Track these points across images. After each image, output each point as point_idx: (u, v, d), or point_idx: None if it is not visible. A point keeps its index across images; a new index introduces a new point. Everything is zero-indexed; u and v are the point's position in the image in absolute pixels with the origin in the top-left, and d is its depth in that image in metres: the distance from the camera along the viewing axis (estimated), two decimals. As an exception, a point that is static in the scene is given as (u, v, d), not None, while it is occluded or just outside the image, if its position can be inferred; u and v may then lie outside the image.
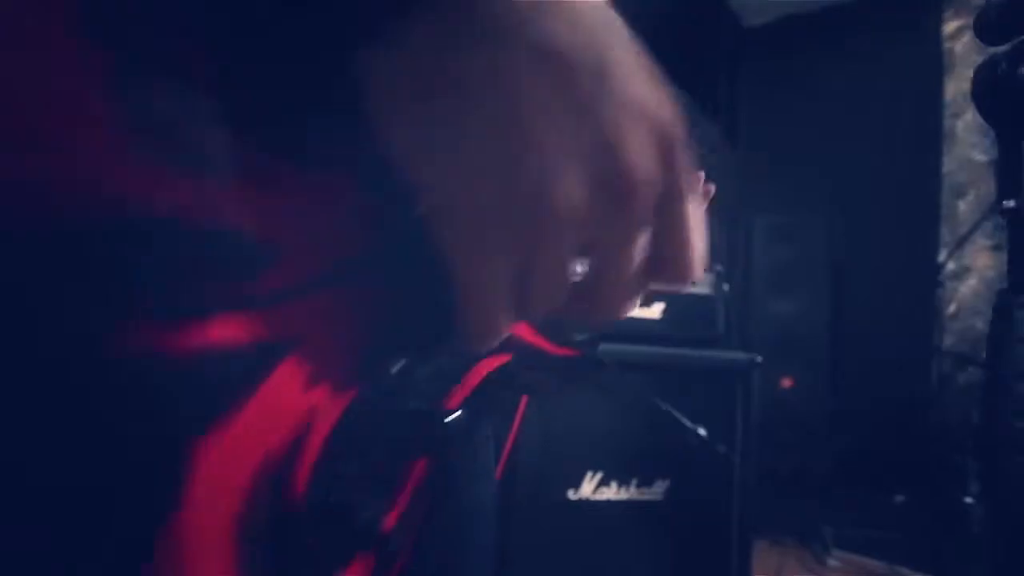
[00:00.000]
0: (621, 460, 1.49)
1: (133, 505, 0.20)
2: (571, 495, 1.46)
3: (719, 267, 1.66)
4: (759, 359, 1.60)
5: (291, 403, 0.24)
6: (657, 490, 1.51)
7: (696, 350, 1.58)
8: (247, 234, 0.22)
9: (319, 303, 0.25)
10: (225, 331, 0.21)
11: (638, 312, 1.61)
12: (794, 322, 2.59)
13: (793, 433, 2.45)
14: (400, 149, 0.23)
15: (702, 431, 1.47)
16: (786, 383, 2.60)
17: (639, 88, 0.24)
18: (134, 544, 0.19)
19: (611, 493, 1.49)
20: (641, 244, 0.26)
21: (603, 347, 1.57)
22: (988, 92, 0.32)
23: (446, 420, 0.31)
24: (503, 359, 0.37)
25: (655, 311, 1.61)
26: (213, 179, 0.21)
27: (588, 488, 1.48)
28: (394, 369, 0.28)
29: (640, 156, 0.24)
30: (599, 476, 1.48)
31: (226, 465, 0.21)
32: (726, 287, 1.86)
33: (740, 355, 1.61)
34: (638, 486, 1.50)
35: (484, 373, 0.35)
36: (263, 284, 0.23)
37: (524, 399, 1.67)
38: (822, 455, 2.50)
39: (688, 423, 1.45)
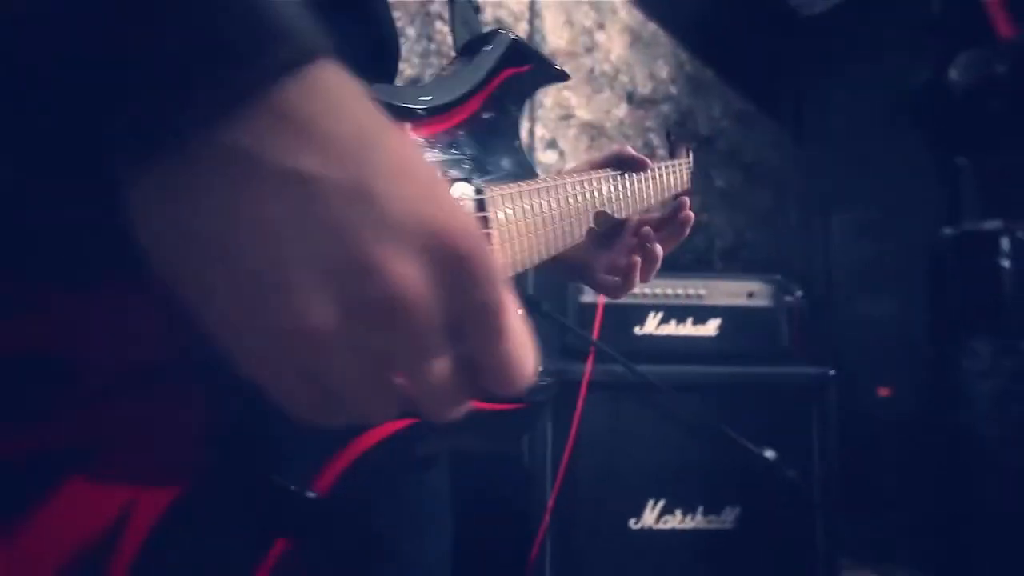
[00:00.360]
0: (685, 487, 1.43)
1: None
2: (632, 524, 1.41)
3: (778, 277, 1.56)
4: (832, 372, 1.48)
5: (93, 507, 0.25)
6: (727, 518, 1.42)
7: (758, 367, 1.49)
8: (30, 356, 0.24)
9: (123, 408, 0.26)
10: (13, 441, 0.23)
11: (691, 330, 1.54)
12: (889, 325, 2.36)
13: (895, 446, 2.22)
14: (171, 283, 0.23)
15: (770, 454, 1.38)
16: (883, 392, 2.37)
17: (407, 207, 0.23)
18: None
19: (676, 522, 1.42)
20: (441, 361, 0.25)
21: (656, 369, 1.51)
22: (941, 111, 0.29)
23: (307, 499, 0.31)
24: (399, 424, 0.37)
25: (710, 328, 1.54)
26: None
27: (650, 517, 1.42)
28: (251, 452, 0.29)
29: (403, 280, 0.23)
30: (662, 504, 1.42)
31: (13, 571, 0.23)
32: (793, 296, 1.74)
33: (810, 369, 1.50)
34: (705, 514, 1.42)
35: (368, 444, 0.35)
36: (54, 396, 0.24)
37: (579, 410, 1.62)
38: (926, 470, 2.25)
39: (751, 446, 1.36)
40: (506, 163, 0.48)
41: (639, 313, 1.54)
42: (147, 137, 0.21)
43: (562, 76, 0.53)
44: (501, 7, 1.95)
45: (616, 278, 0.67)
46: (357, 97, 0.24)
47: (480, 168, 0.44)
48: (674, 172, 0.78)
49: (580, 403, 1.42)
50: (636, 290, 1.72)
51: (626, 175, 0.66)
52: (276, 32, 0.22)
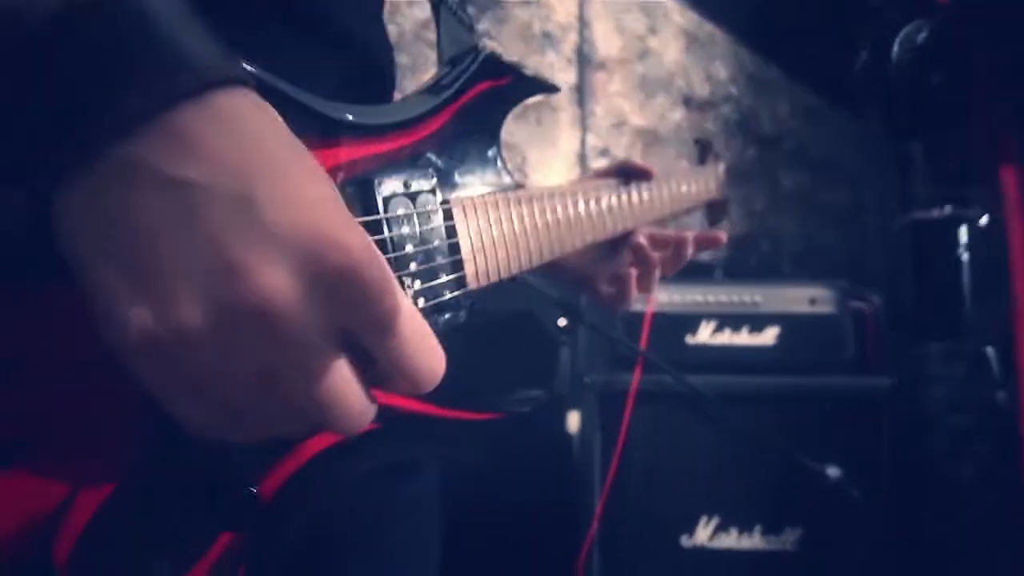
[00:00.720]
0: (741, 504, 1.36)
1: None
2: (684, 541, 1.36)
3: (842, 282, 1.46)
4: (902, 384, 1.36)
5: (31, 499, 0.28)
6: (787, 539, 1.34)
7: (820, 377, 1.39)
8: None
9: (59, 403, 0.28)
10: None
11: (747, 339, 1.47)
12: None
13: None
14: (81, 283, 0.25)
15: (833, 471, 1.29)
16: None
17: (285, 218, 0.24)
18: None
19: (731, 541, 1.35)
20: (331, 372, 0.25)
21: (709, 379, 1.46)
22: (884, 90, 0.27)
23: (245, 502, 0.32)
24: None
25: (768, 337, 1.46)
26: None
27: (704, 534, 1.36)
28: (190, 448, 0.30)
29: (270, 284, 0.23)
30: (716, 521, 1.36)
31: None
32: (866, 302, 1.63)
33: (882, 380, 1.39)
34: (764, 534, 1.35)
35: (322, 446, 0.36)
36: None
37: (626, 422, 1.59)
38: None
39: (811, 463, 1.28)
40: (481, 176, 0.48)
41: (691, 322, 1.49)
42: (59, 155, 0.24)
43: (550, 88, 0.53)
44: (548, 20, 1.96)
45: (614, 289, 0.68)
46: (261, 120, 0.26)
47: (449, 181, 0.44)
48: (696, 181, 0.76)
49: (627, 413, 1.39)
50: (689, 298, 1.66)
51: (632, 184, 0.66)
52: (177, 62, 0.24)
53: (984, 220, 0.25)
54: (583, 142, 1.99)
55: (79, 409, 0.29)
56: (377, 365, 0.27)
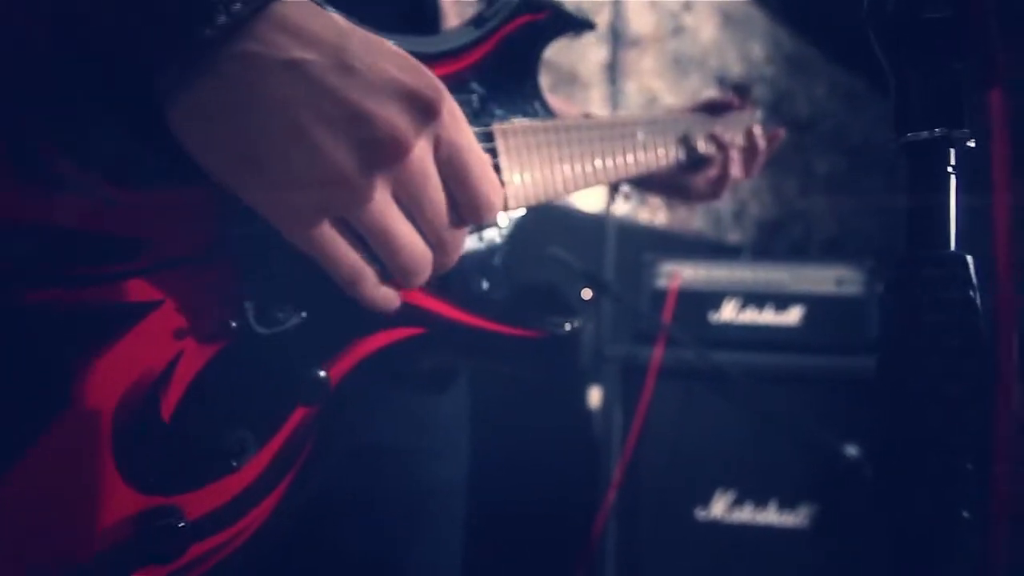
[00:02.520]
0: (757, 479, 1.37)
1: (22, 407, 0.29)
2: (699, 514, 1.39)
3: (872, 262, 1.44)
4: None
5: (157, 348, 0.33)
6: (801, 515, 1.35)
7: (844, 358, 1.39)
8: (109, 233, 0.33)
9: (182, 276, 0.34)
10: (96, 293, 0.31)
11: (772, 318, 1.47)
12: None
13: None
14: (211, 170, 0.32)
15: (852, 451, 1.29)
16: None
17: (379, 68, 0.32)
18: (19, 435, 0.29)
19: (746, 516, 1.37)
20: (433, 189, 0.34)
21: (732, 357, 1.47)
22: (885, 26, 0.29)
23: (317, 380, 0.37)
24: (409, 332, 0.41)
25: (793, 316, 1.46)
26: (77, 198, 0.32)
27: (719, 507, 1.38)
28: (280, 327, 0.36)
29: (391, 120, 0.32)
30: (731, 495, 1.38)
31: (98, 387, 0.31)
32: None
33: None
34: (779, 510, 1.36)
35: (380, 344, 0.40)
36: (132, 264, 0.33)
37: (647, 395, 1.62)
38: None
39: (829, 440, 1.28)
40: (522, 106, 0.50)
41: (715, 299, 1.50)
42: (180, 55, 0.30)
43: (586, 25, 0.55)
44: (583, -5, 1.95)
45: (707, 187, 0.78)
46: (326, 11, 0.33)
47: (489, 108, 0.47)
48: (730, 127, 0.79)
49: (648, 387, 1.41)
50: (713, 275, 1.67)
51: (664, 122, 0.71)
52: None
53: (971, 143, 0.26)
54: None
55: (194, 283, 0.35)
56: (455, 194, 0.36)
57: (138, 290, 0.33)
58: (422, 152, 0.33)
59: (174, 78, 0.30)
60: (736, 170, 0.78)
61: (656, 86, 2.12)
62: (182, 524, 0.32)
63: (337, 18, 0.33)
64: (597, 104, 1.97)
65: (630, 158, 0.61)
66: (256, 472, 0.35)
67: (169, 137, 0.32)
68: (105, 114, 0.32)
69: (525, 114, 0.51)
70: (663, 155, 0.67)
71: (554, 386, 1.59)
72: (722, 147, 0.75)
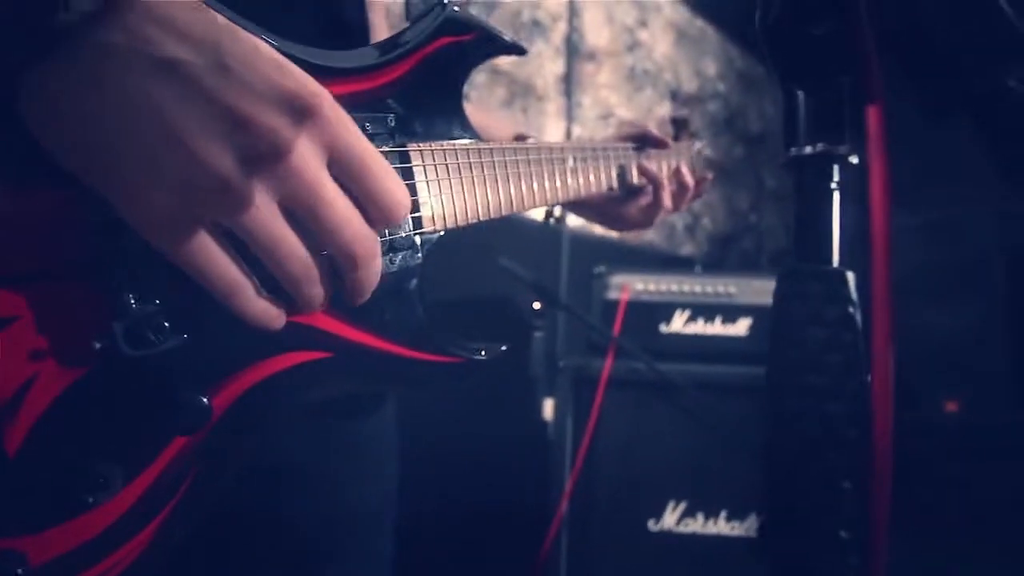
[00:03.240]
0: (708, 490, 1.38)
1: None
2: (652, 525, 1.39)
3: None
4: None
5: (6, 371, 0.30)
6: (752, 525, 1.37)
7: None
8: None
9: (42, 290, 0.31)
10: None
11: (720, 330, 1.49)
12: (957, 334, 2.18)
13: (962, 466, 2.04)
14: (71, 168, 0.30)
15: (798, 460, 1.31)
16: (951, 407, 2.20)
17: (257, 70, 0.30)
18: None
19: (697, 526, 1.38)
20: (328, 194, 0.32)
21: (682, 368, 1.48)
22: (773, 40, 0.29)
23: (197, 407, 0.34)
24: (313, 355, 0.39)
25: (740, 328, 1.48)
26: None
27: (671, 518, 1.39)
28: (153, 349, 0.33)
29: (269, 122, 0.30)
30: (683, 506, 1.39)
31: None
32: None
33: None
34: (728, 519, 1.37)
35: (279, 367, 0.38)
36: None
37: (596, 406, 1.61)
38: (1001, 490, 2.06)
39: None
40: (442, 127, 0.49)
41: (665, 311, 1.51)
42: (33, 42, 0.27)
43: (516, 49, 0.54)
44: (539, 7, 1.97)
45: (640, 215, 0.78)
46: (199, 4, 0.31)
47: (407, 129, 0.45)
48: (669, 159, 0.79)
49: (599, 398, 1.41)
50: (663, 287, 1.68)
51: (644, 151, 0.74)
52: None
53: (855, 159, 0.26)
54: (568, 132, 2.00)
55: (55, 298, 0.32)
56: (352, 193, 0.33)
57: None
58: (306, 154, 0.31)
59: (26, 64, 0.28)
60: (667, 201, 0.78)
61: (611, 99, 2.14)
62: (21, 571, 0.29)
63: (213, 13, 0.31)
64: (553, 116, 1.98)
65: (558, 183, 0.60)
66: (125, 505, 0.32)
67: (25, 130, 0.29)
68: None
69: (446, 135, 0.49)
70: (593, 182, 0.67)
71: (507, 397, 1.58)
72: (652, 180, 0.76)
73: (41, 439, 0.31)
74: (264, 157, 0.30)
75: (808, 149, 0.26)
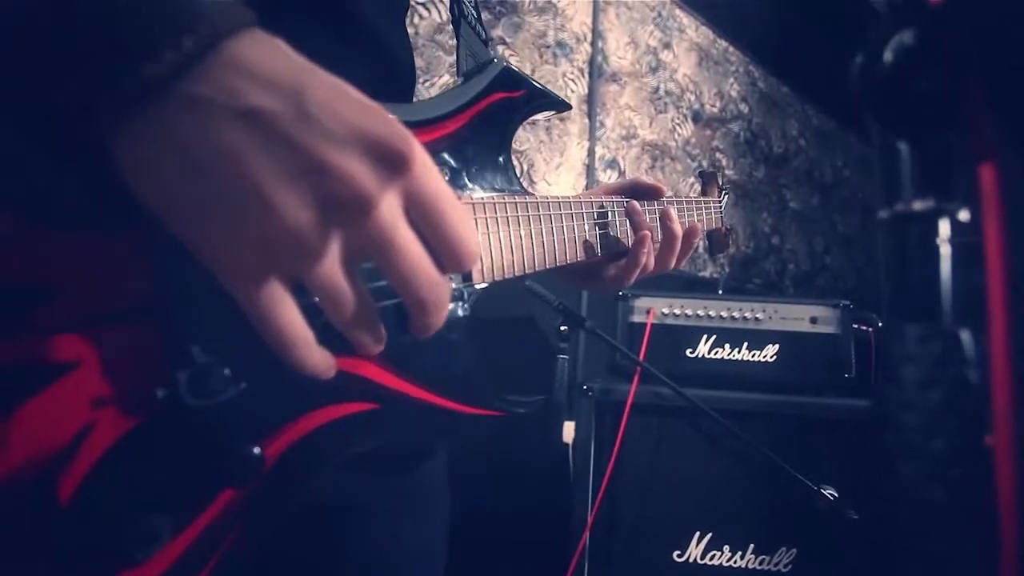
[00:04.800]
0: (735, 522, 1.34)
1: None
2: (676, 557, 1.35)
3: (846, 302, 1.45)
4: (990, 442, 1.34)
5: (65, 418, 0.29)
6: (781, 560, 1.33)
7: (820, 398, 1.38)
8: (18, 278, 0.29)
9: (106, 335, 0.30)
10: None
11: (747, 356, 1.46)
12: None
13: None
14: (160, 218, 0.29)
15: (830, 492, 1.27)
16: (990, 441, 2.13)
17: (341, 116, 0.29)
18: None
19: (724, 559, 1.34)
20: (403, 243, 0.31)
21: (707, 394, 1.45)
22: (875, 93, 0.27)
23: (250, 459, 0.33)
24: (360, 407, 0.38)
25: (767, 353, 1.45)
26: None
27: (696, 550, 1.35)
28: (215, 399, 0.32)
29: (354, 174, 0.28)
30: (709, 537, 1.35)
31: None
32: (869, 325, 1.62)
33: (875, 403, 1.37)
34: (756, 553, 1.33)
35: (328, 418, 0.37)
36: (32, 317, 0.29)
37: (621, 432, 1.57)
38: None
39: (808, 483, 1.26)
40: (491, 181, 0.50)
41: (691, 336, 1.49)
42: (122, 94, 0.27)
43: (562, 105, 0.55)
44: (563, 29, 1.98)
45: (616, 271, 0.68)
46: (284, 48, 0.30)
47: (458, 182, 0.46)
48: (696, 209, 0.77)
49: (623, 423, 1.38)
50: (690, 311, 1.65)
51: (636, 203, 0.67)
52: (213, 8, 0.28)
53: (965, 215, 0.24)
54: (591, 152, 2.00)
55: (119, 343, 0.31)
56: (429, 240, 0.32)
57: (51, 348, 0.29)
58: (390, 208, 0.30)
59: (114, 112, 0.27)
60: (645, 259, 0.66)
61: (634, 120, 2.14)
62: None
63: (296, 57, 0.30)
64: (576, 137, 1.98)
65: (591, 247, 0.59)
66: (171, 559, 0.31)
67: (101, 170, 0.28)
68: (25, 139, 0.28)
69: (495, 189, 0.49)
70: (623, 240, 0.65)
71: (527, 421, 1.55)
72: (637, 230, 0.65)
73: (93, 489, 0.29)
74: (345, 209, 0.29)
75: (915, 205, 0.25)
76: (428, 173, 0.31)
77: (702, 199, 0.82)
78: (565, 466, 1.51)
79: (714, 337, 1.47)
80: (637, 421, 1.40)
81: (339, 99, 0.29)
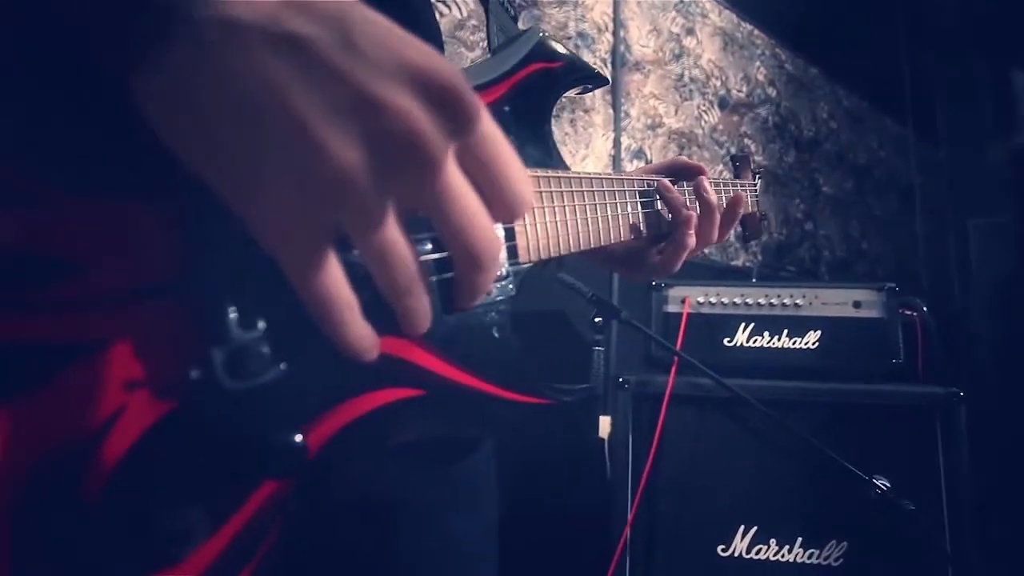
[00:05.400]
0: (781, 514, 1.30)
1: None
2: (721, 551, 1.31)
3: (891, 284, 1.40)
4: (960, 393, 1.29)
5: (93, 401, 0.26)
6: (830, 554, 1.28)
7: (868, 384, 1.33)
8: (32, 250, 0.26)
9: (136, 311, 0.28)
10: (16, 326, 0.25)
11: (787, 343, 1.42)
12: (1040, 345, 2.03)
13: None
14: (192, 164, 0.26)
15: (882, 482, 1.22)
16: (1037, 424, 2.04)
17: (389, 48, 0.26)
18: None
19: (770, 553, 1.30)
20: (460, 181, 0.28)
21: (748, 383, 1.41)
22: None
23: (292, 448, 0.31)
24: (405, 393, 0.36)
25: (809, 340, 1.41)
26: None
27: (742, 544, 1.31)
28: (253, 381, 0.29)
29: (403, 106, 0.26)
30: (754, 530, 1.31)
31: (3, 449, 0.24)
32: (915, 309, 1.56)
33: (935, 389, 1.32)
34: (804, 546, 1.29)
35: (372, 405, 0.34)
36: (56, 292, 0.26)
37: (660, 424, 1.54)
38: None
39: (858, 472, 1.22)
40: (532, 153, 0.47)
41: (729, 324, 1.45)
42: (152, 21, 0.24)
43: (600, 80, 0.53)
44: (584, 20, 1.95)
45: (662, 255, 0.65)
46: None
47: None
48: (732, 191, 0.74)
49: (662, 416, 1.35)
50: (725, 299, 1.62)
51: (681, 185, 0.64)
52: None
53: None
54: (616, 143, 1.97)
55: (148, 320, 0.29)
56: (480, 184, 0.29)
57: (75, 325, 0.26)
58: (440, 143, 0.27)
59: (140, 44, 0.25)
60: (691, 240, 0.62)
61: (659, 109, 2.10)
62: None
63: None
64: (600, 127, 1.95)
65: (634, 225, 0.57)
66: (207, 560, 0.28)
67: (128, 130, 0.26)
68: (51, 89, 0.26)
69: (537, 163, 0.47)
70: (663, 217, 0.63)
71: (565, 413, 1.53)
72: (674, 211, 0.61)
73: (123, 483, 0.27)
74: (396, 146, 0.26)
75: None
76: (479, 108, 0.28)
77: (736, 181, 0.80)
78: (601, 461, 1.48)
79: (752, 325, 1.43)
80: (675, 413, 1.37)
81: (385, 31, 0.27)
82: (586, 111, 1.92)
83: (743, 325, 1.44)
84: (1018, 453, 1.97)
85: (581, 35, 1.96)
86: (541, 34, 0.50)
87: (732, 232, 0.72)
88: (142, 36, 0.25)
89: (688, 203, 0.64)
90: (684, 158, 0.70)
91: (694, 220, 0.62)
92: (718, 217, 0.65)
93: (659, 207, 0.62)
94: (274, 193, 0.26)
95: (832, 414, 1.30)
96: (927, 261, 2.44)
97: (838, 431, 1.28)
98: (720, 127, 2.23)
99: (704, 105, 2.22)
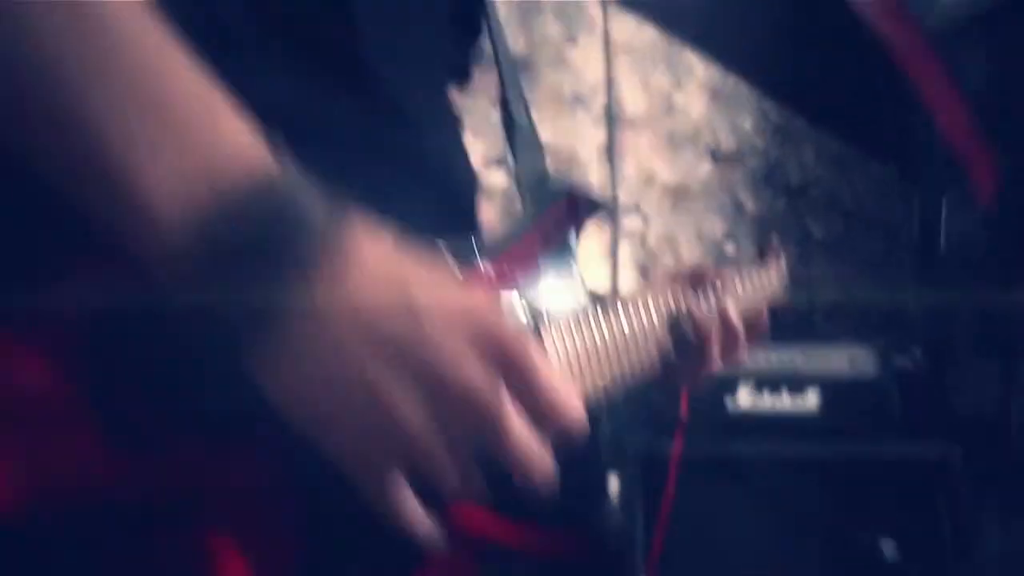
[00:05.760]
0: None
1: None
2: (731, 618, 1.31)
3: (882, 341, 1.43)
4: (958, 450, 1.31)
5: None
6: (841, 616, 1.28)
7: (866, 444, 1.35)
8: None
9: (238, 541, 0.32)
10: None
11: (788, 404, 1.44)
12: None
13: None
14: (298, 425, 0.30)
15: (888, 547, 1.24)
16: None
17: (444, 304, 0.30)
18: None
19: (781, 617, 1.30)
20: (515, 423, 0.31)
21: (752, 448, 1.41)
22: None
23: None
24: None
25: (809, 402, 1.43)
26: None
27: (751, 609, 1.31)
28: None
29: (459, 361, 0.29)
30: (763, 595, 1.31)
31: None
32: (909, 360, 1.59)
33: (927, 447, 1.34)
34: (815, 609, 1.29)
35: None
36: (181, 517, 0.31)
37: (669, 492, 1.52)
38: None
39: (866, 538, 1.23)
40: (563, 292, 0.50)
41: (729, 383, 1.47)
42: (262, 314, 0.28)
43: (604, 208, 0.56)
44: (578, 81, 2.02)
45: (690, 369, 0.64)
46: (384, 246, 0.31)
47: (533, 306, 0.46)
48: (756, 284, 0.73)
49: (670, 486, 1.36)
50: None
51: (700, 292, 0.62)
52: (299, 227, 0.29)
53: None
54: (615, 199, 2.01)
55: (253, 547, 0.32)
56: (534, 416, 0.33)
57: (201, 556, 0.31)
58: (505, 403, 0.31)
59: (258, 332, 0.29)
60: (717, 356, 0.58)
61: (653, 163, 2.16)
62: None
63: (392, 255, 0.31)
64: (596, 186, 2.00)
65: (662, 346, 0.55)
66: None
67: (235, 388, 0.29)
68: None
69: (566, 307, 0.49)
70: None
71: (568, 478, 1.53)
72: (699, 329, 0.57)
73: None
74: (460, 406, 0.30)
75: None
76: (532, 350, 0.32)
77: (756, 271, 0.76)
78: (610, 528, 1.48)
79: (752, 382, 1.45)
80: (682, 478, 1.38)
81: (438, 284, 0.31)
82: (583, 169, 1.97)
83: (743, 383, 1.46)
84: None
85: (576, 97, 2.03)
86: (569, 188, 0.53)
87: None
88: (254, 329, 0.29)
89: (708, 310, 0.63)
90: (704, 266, 0.65)
91: (714, 339, 0.58)
92: (741, 341, 0.62)
93: (682, 326, 0.60)
94: (354, 449, 0.30)
95: (837, 476, 1.32)
96: (913, 304, 2.49)
97: (843, 493, 1.30)
98: (712, 178, 2.29)
99: (695, 157, 2.28)
